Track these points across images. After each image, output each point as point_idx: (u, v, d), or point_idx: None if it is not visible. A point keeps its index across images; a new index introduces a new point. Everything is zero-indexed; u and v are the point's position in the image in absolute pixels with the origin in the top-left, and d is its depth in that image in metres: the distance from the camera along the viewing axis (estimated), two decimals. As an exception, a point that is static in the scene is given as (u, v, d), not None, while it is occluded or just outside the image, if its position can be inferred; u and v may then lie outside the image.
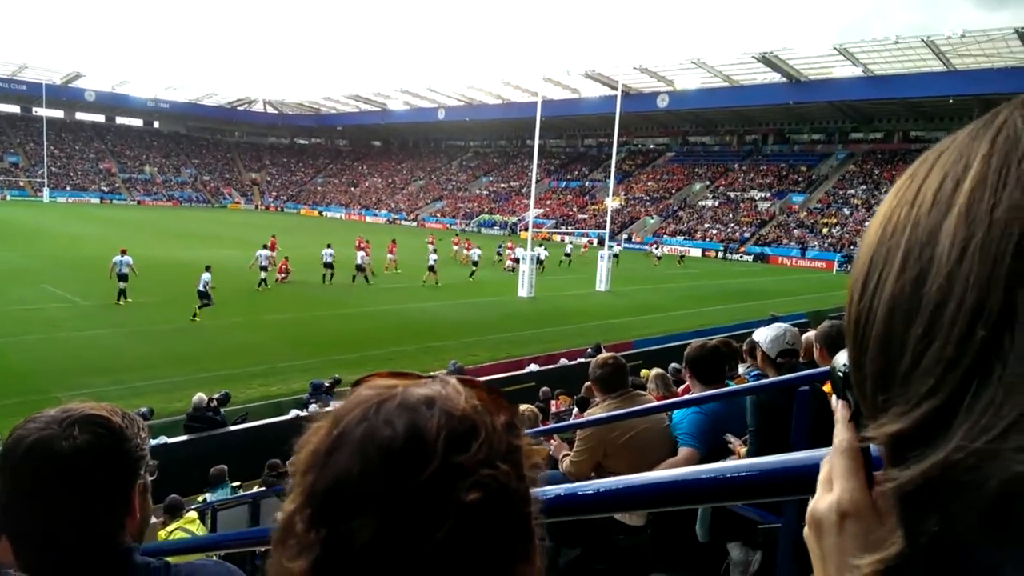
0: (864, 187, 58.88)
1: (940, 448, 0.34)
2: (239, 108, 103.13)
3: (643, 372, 10.31)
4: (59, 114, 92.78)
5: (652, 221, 64.51)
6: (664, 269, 41.13)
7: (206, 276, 21.17)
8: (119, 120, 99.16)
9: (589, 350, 16.34)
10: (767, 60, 55.05)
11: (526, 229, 37.94)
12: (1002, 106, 0.37)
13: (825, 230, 54.29)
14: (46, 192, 76.97)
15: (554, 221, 65.19)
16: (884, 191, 55.75)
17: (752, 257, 53.12)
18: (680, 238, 58.28)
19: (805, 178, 63.79)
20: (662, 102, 65.55)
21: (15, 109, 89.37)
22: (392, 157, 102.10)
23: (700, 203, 65.45)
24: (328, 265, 28.57)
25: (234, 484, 9.07)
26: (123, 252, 22.21)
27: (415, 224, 74.39)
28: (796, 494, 0.98)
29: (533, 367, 15.51)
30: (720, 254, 54.41)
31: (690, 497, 1.34)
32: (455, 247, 39.57)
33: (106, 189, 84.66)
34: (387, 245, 33.79)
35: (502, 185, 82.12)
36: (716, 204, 64.29)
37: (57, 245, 35.90)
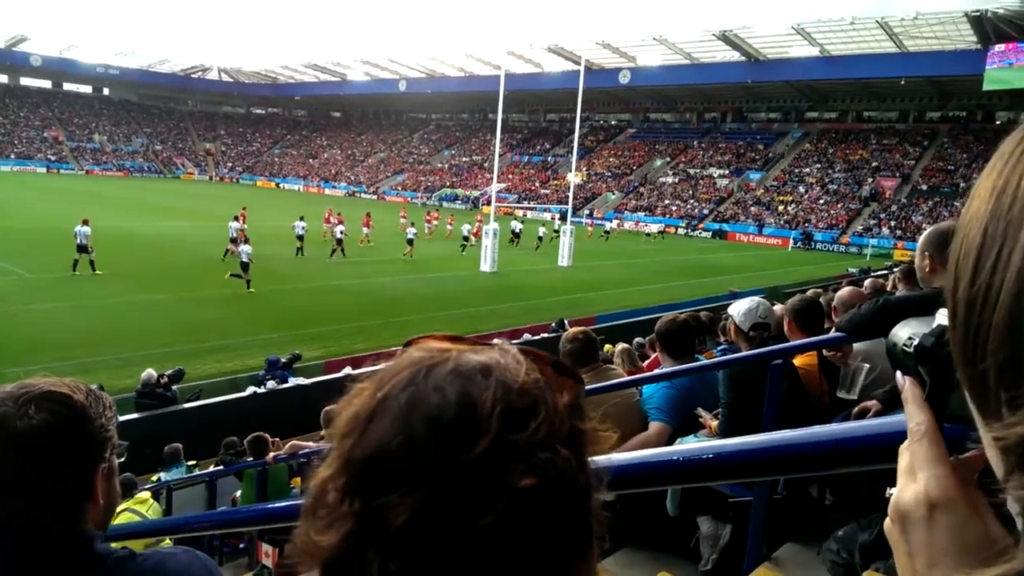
0: (819, 165, 60.05)
1: None
2: (193, 76, 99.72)
3: (607, 347, 10.37)
4: (2, 79, 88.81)
5: (613, 197, 64.85)
6: (628, 244, 41.45)
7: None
8: (67, 86, 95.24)
9: (553, 325, 16.41)
10: (727, 38, 55.38)
11: (488, 203, 37.69)
12: None
13: (781, 207, 55.30)
14: (-12, 160, 73.71)
15: (516, 196, 65.10)
16: (839, 170, 56.58)
17: (711, 233, 53.91)
18: (642, 214, 58.73)
19: (762, 156, 64.74)
20: (624, 78, 65.58)
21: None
22: (352, 129, 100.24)
23: (660, 180, 65.97)
24: (300, 238, 28.18)
25: (189, 463, 8.86)
26: (84, 222, 21.61)
27: (375, 197, 73.41)
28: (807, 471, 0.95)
29: (497, 343, 15.46)
30: (680, 230, 54.99)
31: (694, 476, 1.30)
32: (428, 223, 39.42)
33: (53, 158, 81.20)
34: (362, 219, 33.51)
35: (464, 159, 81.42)
36: (676, 181, 64.88)
37: (0, 215, 34.44)
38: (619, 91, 70.11)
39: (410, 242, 29.95)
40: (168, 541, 3.57)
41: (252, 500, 6.55)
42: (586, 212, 58.75)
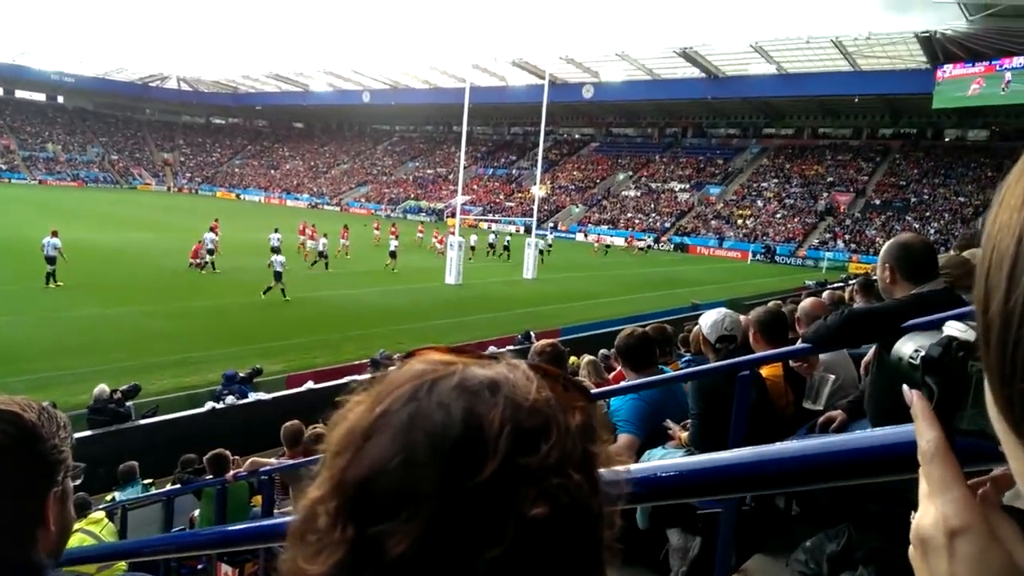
0: (776, 180, 61.45)
1: None
2: (151, 84, 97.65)
3: (572, 359, 10.37)
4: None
5: (577, 210, 65.34)
6: (589, 258, 41.76)
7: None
8: (19, 94, 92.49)
9: (519, 337, 16.38)
10: (687, 55, 56.47)
11: (453, 215, 37.69)
12: None
13: (740, 221, 56.39)
14: (-67, 169, 71.16)
15: (481, 208, 65.13)
16: (795, 185, 57.92)
17: (673, 247, 54.64)
18: (605, 227, 59.27)
19: (722, 171, 65.99)
20: (588, 93, 66.29)
21: None
22: (315, 140, 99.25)
23: (623, 193, 66.73)
24: (275, 250, 27.56)
25: (146, 481, 8.59)
26: (54, 233, 20.93)
27: (338, 209, 72.72)
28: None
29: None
30: (643, 243, 55.62)
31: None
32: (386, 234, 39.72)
33: (4, 167, 78.61)
34: (339, 231, 33.47)
35: (428, 171, 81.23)
36: (639, 194, 65.71)
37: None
38: (583, 105, 70.85)
39: (392, 254, 30.29)
40: (123, 565, 3.43)
41: (211, 519, 6.36)
42: (550, 225, 59.05)
